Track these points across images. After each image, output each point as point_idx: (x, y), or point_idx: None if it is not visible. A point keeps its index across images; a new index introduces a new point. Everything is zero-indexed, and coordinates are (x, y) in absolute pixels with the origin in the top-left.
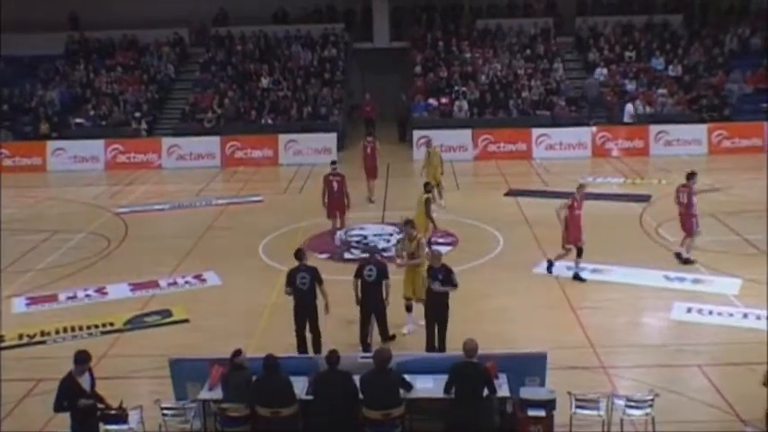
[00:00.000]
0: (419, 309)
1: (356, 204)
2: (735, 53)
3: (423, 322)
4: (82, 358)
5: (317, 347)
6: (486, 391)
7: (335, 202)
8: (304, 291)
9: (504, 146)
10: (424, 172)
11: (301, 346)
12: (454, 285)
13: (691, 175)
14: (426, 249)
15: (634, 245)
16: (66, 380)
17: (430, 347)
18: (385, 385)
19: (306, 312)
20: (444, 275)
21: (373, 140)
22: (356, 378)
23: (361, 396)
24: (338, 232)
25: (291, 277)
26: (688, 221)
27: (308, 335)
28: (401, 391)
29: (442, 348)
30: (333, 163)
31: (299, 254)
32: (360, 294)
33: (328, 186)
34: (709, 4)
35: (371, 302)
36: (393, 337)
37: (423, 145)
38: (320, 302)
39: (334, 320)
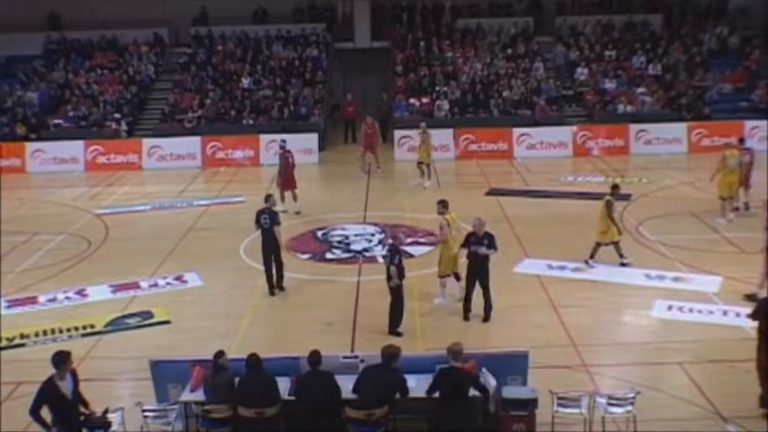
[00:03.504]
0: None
1: (340, 206)
2: (713, 52)
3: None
4: (60, 360)
5: (280, 275)
6: (473, 392)
7: (290, 176)
8: (266, 228)
9: (485, 145)
10: (418, 152)
11: (269, 280)
12: (496, 248)
13: None
14: (447, 229)
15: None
16: (46, 384)
17: (468, 301)
18: (381, 380)
19: (268, 244)
20: (489, 240)
21: (372, 122)
22: (338, 377)
23: (350, 392)
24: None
25: (258, 217)
26: None
27: None
28: (398, 392)
29: (488, 309)
30: (282, 141)
31: (266, 199)
32: None
33: (285, 161)
34: (687, 4)
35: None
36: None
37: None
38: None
39: (315, 322)
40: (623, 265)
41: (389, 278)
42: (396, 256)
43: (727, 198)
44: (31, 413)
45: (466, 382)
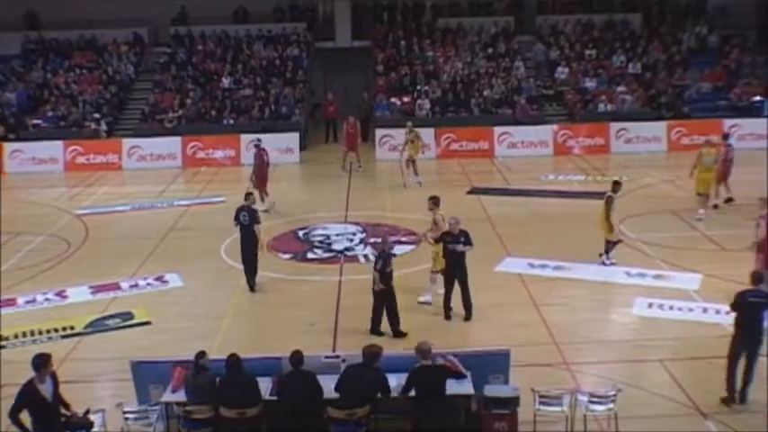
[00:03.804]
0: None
1: (321, 206)
2: (693, 51)
3: (441, 291)
4: (40, 362)
5: (254, 269)
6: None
7: (264, 174)
8: (245, 225)
9: (466, 144)
10: (405, 150)
11: (247, 272)
12: (471, 244)
13: None
14: (443, 224)
15: (596, 242)
16: (26, 387)
17: (448, 301)
18: (363, 379)
19: (247, 240)
20: (465, 237)
21: (354, 121)
22: (320, 377)
23: (332, 392)
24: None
25: (237, 213)
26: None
27: None
28: (378, 392)
29: (468, 306)
30: (258, 140)
31: (246, 197)
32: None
33: (260, 160)
34: (666, 3)
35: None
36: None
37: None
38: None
39: (297, 322)
40: (603, 264)
41: (373, 282)
42: (378, 261)
43: (704, 194)
44: (10, 416)
45: (439, 377)
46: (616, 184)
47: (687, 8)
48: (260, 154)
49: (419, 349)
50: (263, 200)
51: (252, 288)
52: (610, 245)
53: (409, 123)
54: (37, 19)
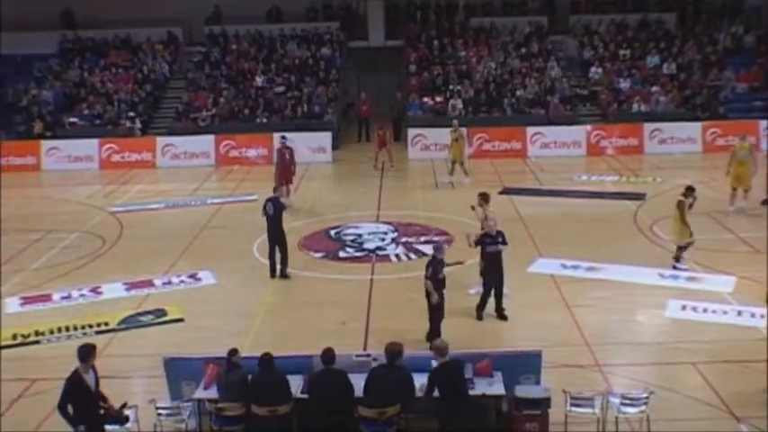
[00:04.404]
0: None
1: (353, 205)
2: (728, 51)
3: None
4: (85, 352)
5: (284, 261)
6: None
7: (285, 171)
8: (270, 215)
9: (498, 144)
10: (450, 151)
11: (272, 266)
12: (506, 243)
13: None
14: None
15: (629, 243)
16: (73, 377)
17: (484, 304)
18: (390, 379)
19: (273, 232)
20: (502, 238)
21: (384, 129)
22: (351, 376)
23: (362, 391)
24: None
25: (264, 204)
26: None
27: None
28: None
29: (502, 309)
30: (283, 137)
31: (275, 189)
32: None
33: (281, 157)
34: (702, 3)
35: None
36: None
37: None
38: None
39: (328, 320)
40: (675, 267)
41: (428, 293)
42: (428, 269)
43: (737, 188)
44: (59, 408)
45: (459, 373)
46: (689, 189)
47: (723, 8)
48: (281, 151)
49: (436, 347)
50: (287, 195)
51: (273, 275)
52: (681, 250)
53: (455, 122)
54: (72, 17)
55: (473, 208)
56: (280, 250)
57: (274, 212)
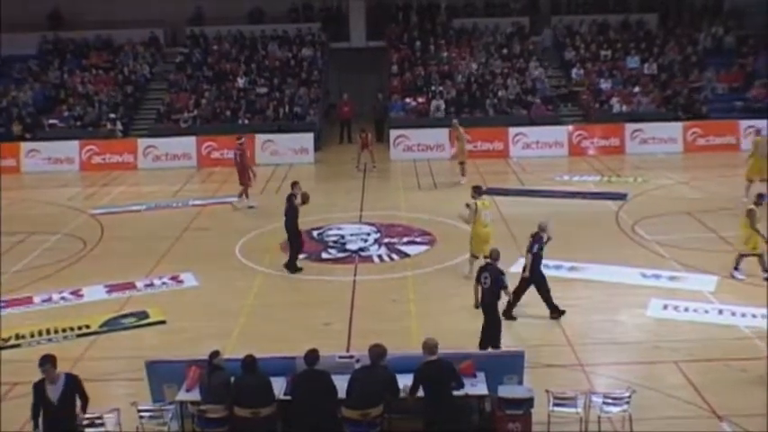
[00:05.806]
0: None
1: (335, 206)
2: (709, 51)
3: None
4: (42, 361)
5: (290, 256)
6: (456, 387)
7: (240, 173)
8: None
9: (480, 145)
10: (454, 148)
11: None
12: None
13: None
14: (473, 210)
15: (611, 242)
16: (35, 385)
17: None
18: (373, 380)
19: (289, 225)
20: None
21: (365, 133)
22: (334, 377)
23: (344, 393)
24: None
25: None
26: None
27: None
28: (387, 392)
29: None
30: (238, 138)
31: (293, 185)
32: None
33: (234, 159)
34: (683, 3)
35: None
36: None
37: (453, 124)
38: None
39: (311, 322)
40: (732, 276)
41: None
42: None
43: (754, 181)
44: (31, 413)
45: (445, 372)
46: (760, 197)
47: (703, 9)
48: (235, 153)
49: (426, 345)
50: (246, 196)
51: (296, 268)
52: (741, 258)
53: (454, 121)
54: (62, 18)
55: (467, 206)
56: (289, 246)
57: (285, 210)
